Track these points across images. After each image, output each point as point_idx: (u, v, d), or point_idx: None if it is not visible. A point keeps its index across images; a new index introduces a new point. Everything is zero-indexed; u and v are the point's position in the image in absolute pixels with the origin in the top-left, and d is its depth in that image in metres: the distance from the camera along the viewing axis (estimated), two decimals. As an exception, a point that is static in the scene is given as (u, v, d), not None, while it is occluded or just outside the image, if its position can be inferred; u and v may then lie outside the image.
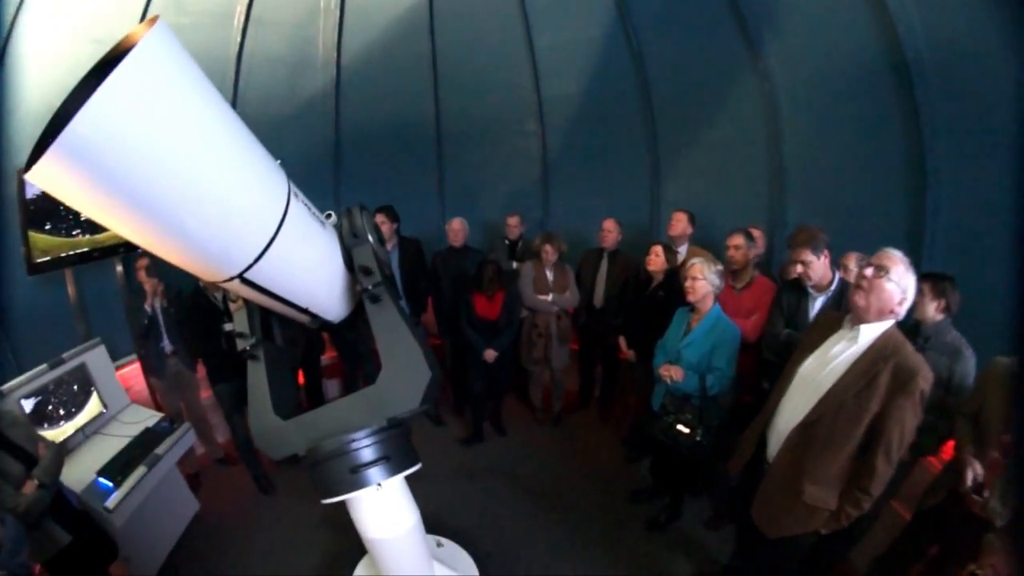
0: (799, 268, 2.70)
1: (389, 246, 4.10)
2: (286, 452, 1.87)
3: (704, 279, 2.76)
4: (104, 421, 3.10)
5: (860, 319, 1.85)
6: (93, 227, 3.53)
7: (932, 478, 2.39)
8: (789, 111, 3.90)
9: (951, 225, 3.02)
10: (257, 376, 1.92)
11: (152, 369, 3.67)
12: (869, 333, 1.84)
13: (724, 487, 3.16)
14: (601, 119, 4.85)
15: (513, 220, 4.55)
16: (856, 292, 1.82)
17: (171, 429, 3.08)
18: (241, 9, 4.32)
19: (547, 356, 4.10)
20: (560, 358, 4.14)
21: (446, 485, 3.69)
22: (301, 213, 1.55)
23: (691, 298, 2.79)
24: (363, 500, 1.91)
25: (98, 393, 3.07)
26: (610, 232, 4.08)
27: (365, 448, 1.82)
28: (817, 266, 2.68)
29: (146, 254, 3.54)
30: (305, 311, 1.83)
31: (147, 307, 3.50)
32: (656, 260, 3.52)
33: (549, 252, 3.96)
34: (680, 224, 3.89)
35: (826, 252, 2.67)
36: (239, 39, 4.38)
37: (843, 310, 2.51)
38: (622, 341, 3.78)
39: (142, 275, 3.49)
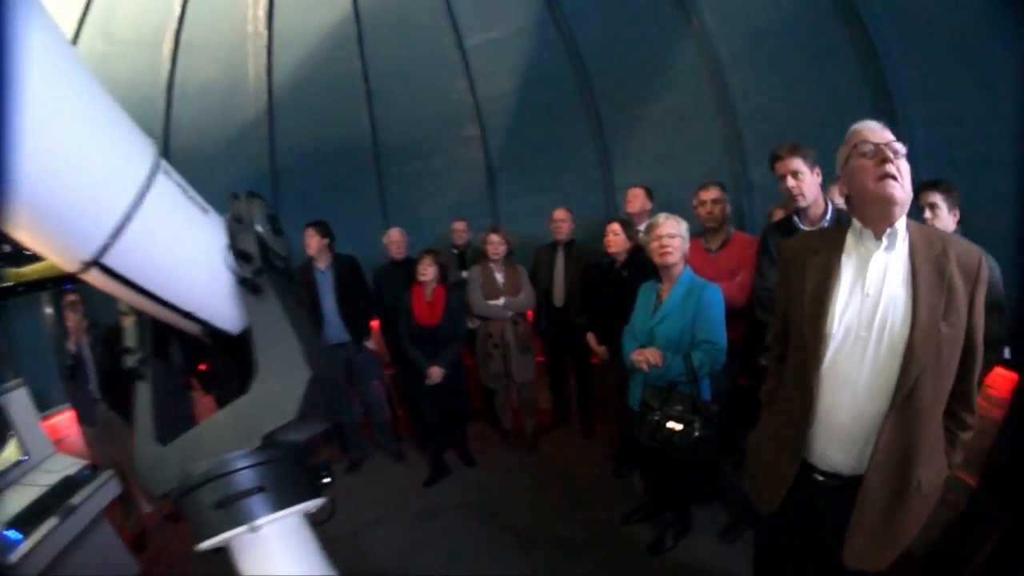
0: (790, 182, 2.17)
1: (322, 265, 3.70)
2: (167, 485, 1.45)
3: (680, 236, 2.36)
4: (25, 470, 2.81)
5: (895, 217, 1.34)
6: (17, 258, 3.02)
7: (991, 425, 1.94)
8: (734, 68, 3.70)
9: (930, 140, 2.71)
10: (143, 398, 1.61)
11: (83, 416, 3.30)
12: (902, 233, 1.36)
13: (738, 487, 2.62)
14: (541, 112, 4.63)
15: (459, 225, 4.23)
16: (888, 184, 1.29)
17: (92, 476, 2.78)
18: (170, 36, 4.21)
19: (508, 369, 3.59)
20: (523, 370, 3.63)
21: (407, 528, 3.10)
22: (171, 193, 1.35)
23: (670, 260, 2.35)
24: (241, 547, 1.42)
25: (18, 438, 2.79)
26: (563, 222, 3.70)
27: (231, 477, 1.37)
28: (810, 181, 2.16)
29: (74, 289, 3.18)
30: (191, 316, 1.51)
31: (70, 346, 3.15)
32: (616, 240, 3.13)
33: (495, 243, 3.54)
34: (637, 200, 3.54)
35: (817, 170, 2.20)
36: (169, 67, 4.27)
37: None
38: (591, 338, 3.30)
39: (67, 312, 3.17)
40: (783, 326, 1.60)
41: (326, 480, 1.58)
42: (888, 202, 1.31)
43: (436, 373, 3.32)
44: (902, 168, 1.31)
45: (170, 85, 4.27)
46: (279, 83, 4.64)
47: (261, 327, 1.47)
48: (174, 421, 1.59)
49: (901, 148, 1.32)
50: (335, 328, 3.64)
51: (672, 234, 2.36)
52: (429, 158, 5.05)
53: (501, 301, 3.52)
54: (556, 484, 3.40)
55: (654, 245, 2.40)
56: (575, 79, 4.40)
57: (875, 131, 1.37)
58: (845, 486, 1.43)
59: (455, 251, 4.23)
